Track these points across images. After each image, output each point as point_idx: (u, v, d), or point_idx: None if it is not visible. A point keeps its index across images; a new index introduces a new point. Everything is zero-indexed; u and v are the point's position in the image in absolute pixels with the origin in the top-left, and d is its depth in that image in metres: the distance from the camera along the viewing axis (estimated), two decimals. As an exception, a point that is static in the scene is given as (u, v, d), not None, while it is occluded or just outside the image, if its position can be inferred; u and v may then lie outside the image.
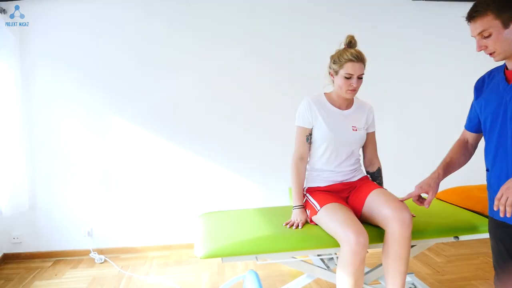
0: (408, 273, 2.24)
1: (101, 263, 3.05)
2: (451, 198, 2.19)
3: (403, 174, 3.49)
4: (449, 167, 1.64)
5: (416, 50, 3.52)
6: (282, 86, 3.33)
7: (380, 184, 2.07)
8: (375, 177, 2.05)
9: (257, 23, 3.27)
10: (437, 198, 2.27)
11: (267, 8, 3.27)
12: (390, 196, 1.73)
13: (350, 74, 1.77)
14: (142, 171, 3.22)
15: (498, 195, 1.26)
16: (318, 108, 1.87)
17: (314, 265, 1.93)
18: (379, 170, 2.07)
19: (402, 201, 1.70)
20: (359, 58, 1.78)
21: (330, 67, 1.87)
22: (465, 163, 1.67)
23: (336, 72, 1.82)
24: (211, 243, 1.67)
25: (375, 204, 1.72)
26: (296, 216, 1.87)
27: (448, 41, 3.49)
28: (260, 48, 3.29)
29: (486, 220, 1.82)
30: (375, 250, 2.81)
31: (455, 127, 3.68)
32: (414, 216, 1.87)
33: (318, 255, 2.00)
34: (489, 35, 1.31)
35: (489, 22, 1.29)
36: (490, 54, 1.35)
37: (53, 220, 3.15)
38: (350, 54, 1.77)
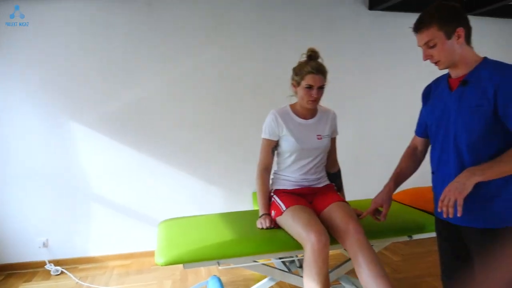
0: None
1: (58, 275, 2.93)
2: (405, 199, 2.30)
3: (362, 177, 3.63)
4: (399, 177, 1.73)
5: (374, 58, 3.67)
6: (246, 92, 3.36)
7: (340, 184, 2.18)
8: (336, 177, 2.15)
9: (221, 30, 3.28)
10: (392, 200, 2.37)
11: (231, 14, 3.29)
12: (350, 215, 1.77)
13: (310, 85, 1.83)
14: (101, 178, 3.13)
15: (442, 197, 1.35)
16: (284, 121, 1.93)
17: (276, 268, 1.95)
18: (339, 171, 2.19)
19: (360, 217, 1.81)
20: (319, 71, 1.84)
21: (292, 79, 1.93)
22: (415, 170, 1.76)
23: (298, 83, 1.88)
24: (172, 250, 1.66)
25: (333, 216, 1.78)
26: (262, 220, 1.90)
27: (404, 49, 3.66)
28: (224, 54, 3.30)
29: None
30: (335, 251, 2.89)
31: (410, 131, 3.88)
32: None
33: (280, 258, 2.03)
34: (434, 45, 1.39)
35: (434, 33, 1.38)
36: (435, 63, 1.44)
37: (5, 230, 2.98)
38: (310, 67, 1.83)
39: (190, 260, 1.63)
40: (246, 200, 3.39)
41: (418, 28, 1.42)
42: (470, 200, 1.33)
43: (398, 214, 2.08)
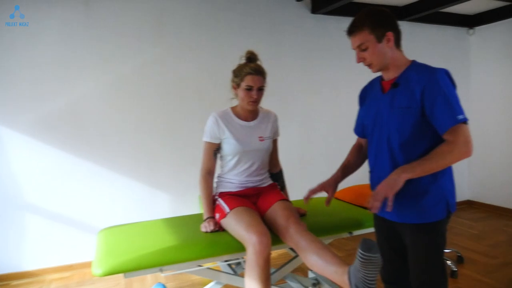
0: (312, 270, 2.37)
1: (-14, 292, 2.69)
2: (346, 196, 2.38)
3: (306, 175, 3.72)
4: (346, 168, 1.79)
5: (316, 60, 3.78)
6: (190, 93, 3.31)
7: (283, 184, 2.21)
8: (278, 178, 2.17)
9: (164, 30, 3.20)
10: (334, 198, 2.44)
11: (174, 15, 3.23)
12: (290, 211, 1.81)
13: (250, 85, 1.84)
14: (35, 186, 2.92)
15: (373, 193, 1.41)
16: (226, 123, 1.92)
17: (222, 271, 1.93)
18: (280, 172, 2.21)
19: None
20: (258, 71, 1.86)
21: (232, 81, 1.93)
22: (362, 164, 1.82)
23: (238, 85, 1.89)
24: (111, 259, 1.58)
25: (275, 215, 1.81)
26: (206, 224, 1.87)
27: (346, 52, 3.79)
28: (167, 55, 3.23)
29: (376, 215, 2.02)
30: (281, 251, 2.93)
31: (352, 132, 4.03)
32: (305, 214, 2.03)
33: (226, 261, 2.01)
34: (366, 48, 1.46)
35: (365, 36, 1.44)
36: (368, 66, 1.51)
37: None
38: (249, 68, 1.85)
39: (130, 269, 1.56)
40: (193, 203, 3.33)
41: (350, 31, 1.49)
42: (402, 196, 1.40)
43: (339, 211, 2.14)
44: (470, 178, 4.60)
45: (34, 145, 2.89)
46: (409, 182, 1.37)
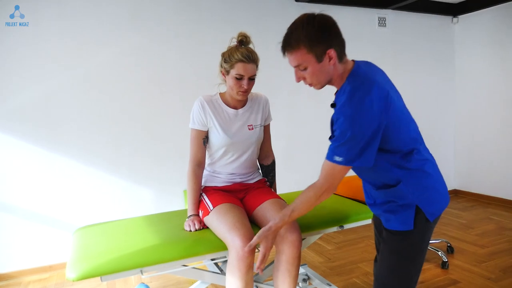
0: (302, 265, 2.30)
1: (-43, 298, 2.54)
2: (337, 189, 2.30)
3: (290, 167, 3.64)
4: None
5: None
6: (171, 83, 3.19)
7: (273, 177, 2.05)
8: (269, 171, 2.02)
9: (143, 17, 3.06)
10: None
11: (152, 4, 3.09)
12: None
13: (240, 75, 1.66)
14: (7, 183, 2.76)
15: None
16: (212, 110, 1.76)
17: (208, 270, 1.84)
18: (273, 163, 2.04)
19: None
20: (251, 59, 1.67)
21: (221, 66, 1.74)
22: None
23: (227, 72, 1.70)
24: (86, 261, 1.46)
25: (268, 215, 1.66)
26: (190, 223, 1.74)
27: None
28: (146, 43, 3.09)
29: (366, 207, 1.94)
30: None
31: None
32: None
33: (212, 260, 1.91)
34: (305, 69, 1.27)
35: (302, 56, 1.24)
36: (309, 85, 1.34)
37: None
38: (241, 54, 1.65)
39: (107, 272, 1.45)
40: (177, 198, 3.22)
41: (285, 49, 1.28)
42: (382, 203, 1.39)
43: (329, 204, 2.06)
44: (456, 168, 4.60)
45: (5, 139, 2.73)
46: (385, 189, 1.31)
